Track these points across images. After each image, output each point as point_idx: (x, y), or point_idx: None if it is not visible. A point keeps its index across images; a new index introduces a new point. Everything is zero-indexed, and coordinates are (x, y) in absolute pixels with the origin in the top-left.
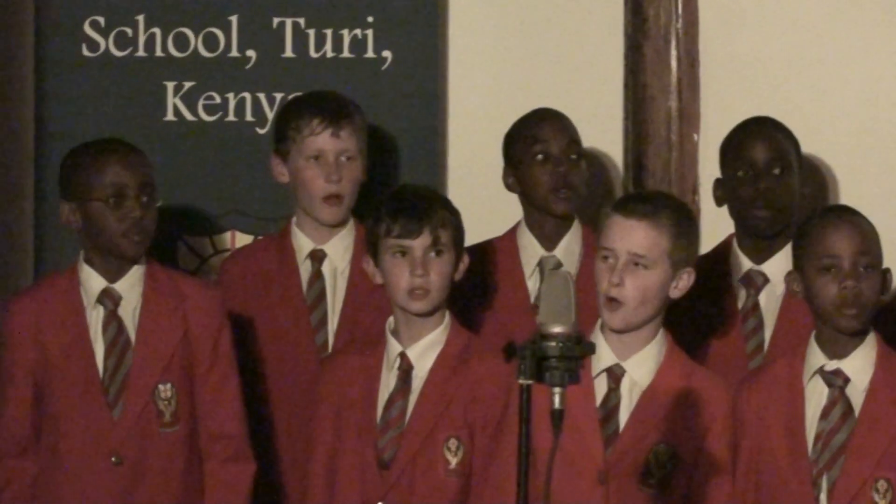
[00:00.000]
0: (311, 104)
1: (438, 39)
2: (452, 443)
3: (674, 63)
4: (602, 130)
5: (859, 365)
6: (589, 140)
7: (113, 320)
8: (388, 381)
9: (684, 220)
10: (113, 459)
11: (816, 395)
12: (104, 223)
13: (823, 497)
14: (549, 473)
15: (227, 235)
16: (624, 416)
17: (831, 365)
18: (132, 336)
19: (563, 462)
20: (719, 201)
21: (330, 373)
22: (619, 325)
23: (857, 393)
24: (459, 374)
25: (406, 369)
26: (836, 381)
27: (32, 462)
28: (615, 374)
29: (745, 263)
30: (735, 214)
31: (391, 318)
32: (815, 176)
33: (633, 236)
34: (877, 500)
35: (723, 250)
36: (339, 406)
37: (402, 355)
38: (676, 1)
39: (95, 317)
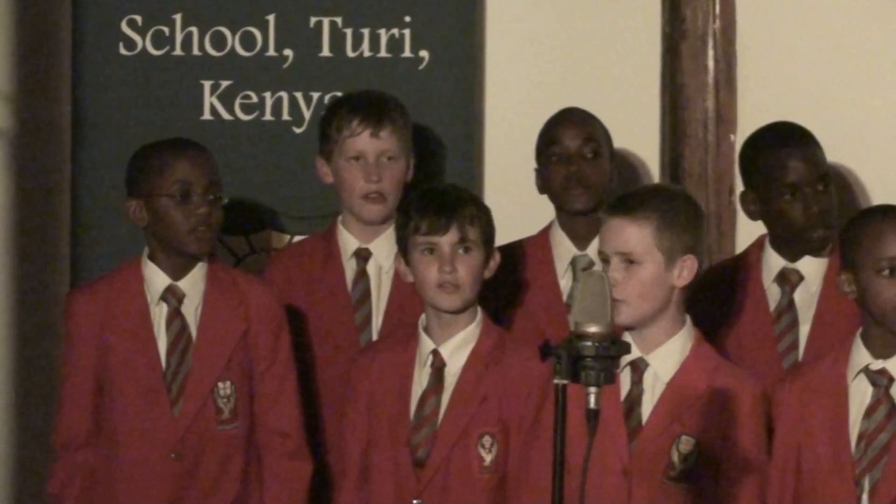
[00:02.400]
0: (351, 105)
1: (476, 39)
2: (486, 440)
3: (711, 63)
4: (639, 131)
5: None
6: (626, 140)
7: (176, 318)
8: (420, 378)
9: (671, 210)
10: (172, 455)
11: (860, 394)
12: (171, 220)
13: (865, 497)
14: (585, 474)
15: (264, 235)
16: (647, 409)
17: (876, 364)
18: (194, 333)
19: (594, 457)
20: (754, 216)
21: (362, 368)
22: (626, 321)
23: None
24: (492, 371)
25: (439, 366)
26: (882, 380)
27: (93, 456)
28: (638, 368)
29: (779, 262)
30: (781, 228)
31: (423, 316)
32: (851, 177)
33: (617, 236)
34: None
35: (754, 250)
36: (371, 402)
37: (435, 352)
38: (714, 1)
39: (159, 314)
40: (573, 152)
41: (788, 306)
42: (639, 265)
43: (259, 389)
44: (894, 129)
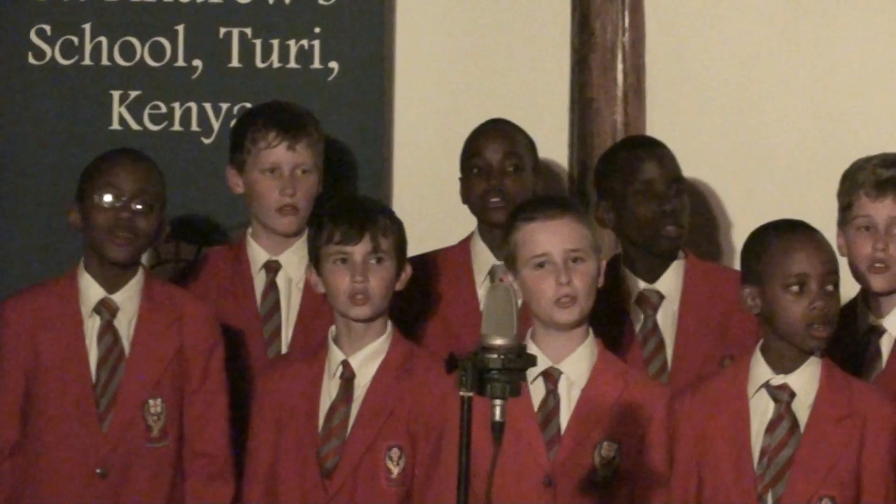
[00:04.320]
0: (267, 116)
1: (385, 50)
2: (394, 452)
3: (620, 76)
4: (548, 142)
5: (805, 380)
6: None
7: (108, 331)
8: (329, 389)
9: (584, 212)
10: (98, 471)
11: (761, 409)
12: (94, 222)
13: None
14: (490, 484)
15: (172, 245)
16: (564, 417)
17: (777, 380)
18: (126, 348)
19: (506, 469)
20: (606, 223)
21: (271, 380)
22: (575, 319)
23: (802, 408)
24: (402, 384)
25: (348, 377)
26: (783, 395)
27: (20, 466)
28: (552, 377)
29: (638, 284)
30: (634, 234)
31: (333, 327)
32: (757, 189)
33: (564, 234)
34: None
35: (611, 273)
36: (279, 414)
37: (345, 363)
38: (623, 14)
39: (91, 326)
40: (494, 166)
41: (653, 329)
42: (583, 262)
43: (188, 409)
44: (801, 142)
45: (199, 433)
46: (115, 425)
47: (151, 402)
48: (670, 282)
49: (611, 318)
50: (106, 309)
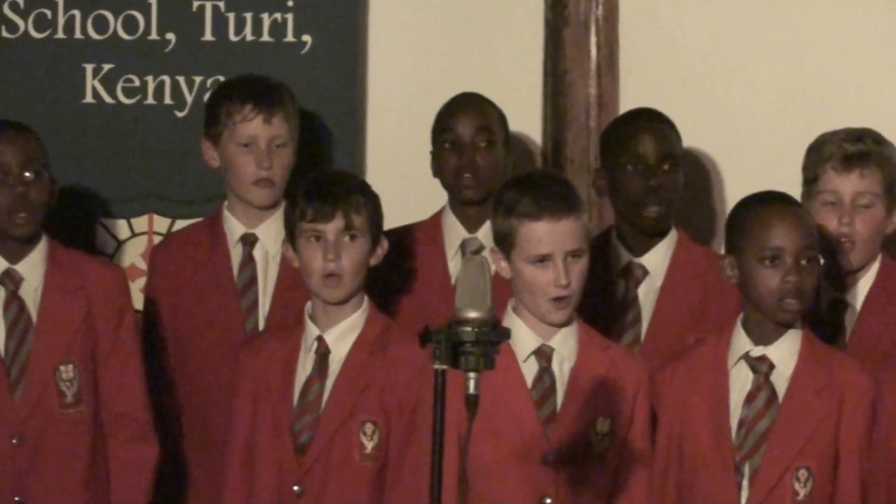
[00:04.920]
0: (243, 89)
1: (358, 24)
2: (368, 427)
3: (593, 50)
4: (522, 116)
5: (785, 352)
6: (509, 125)
7: (14, 301)
8: (305, 365)
9: (581, 199)
10: (14, 441)
11: (741, 380)
12: None
13: (745, 483)
14: (465, 455)
15: (145, 218)
16: (559, 394)
17: (757, 351)
18: (34, 317)
19: (505, 449)
20: (600, 191)
21: (249, 357)
22: (567, 318)
23: (781, 380)
24: (376, 359)
25: (323, 353)
26: (762, 367)
27: None
28: (545, 354)
29: (624, 256)
30: (621, 207)
31: (309, 303)
32: (729, 163)
33: (567, 235)
34: (797, 489)
35: (602, 241)
36: (257, 390)
37: (320, 339)
38: None
39: None
40: (466, 141)
41: (632, 301)
42: (580, 258)
43: (102, 373)
44: (773, 117)
45: (117, 397)
46: (27, 393)
47: (63, 368)
48: (657, 258)
49: (597, 286)
50: (10, 280)
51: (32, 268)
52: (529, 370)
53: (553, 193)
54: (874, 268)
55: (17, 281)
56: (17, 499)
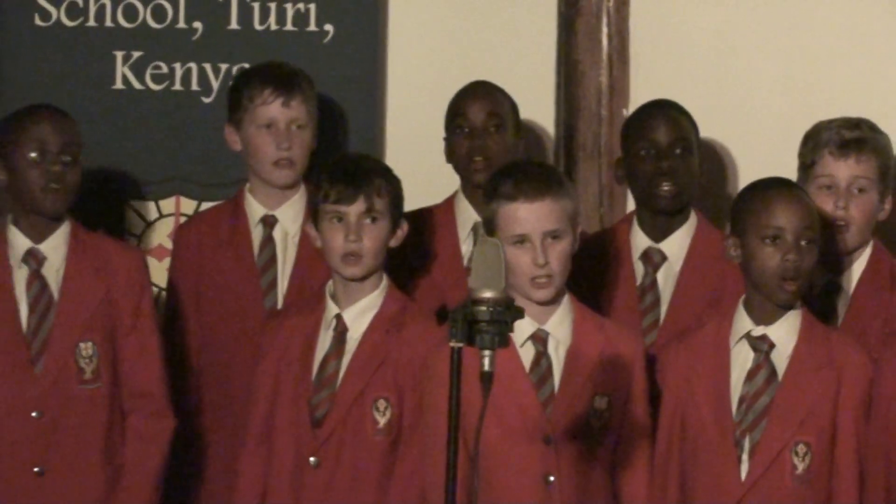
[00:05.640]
0: (262, 75)
1: (379, 14)
2: (381, 403)
3: (605, 40)
4: (535, 104)
5: (785, 332)
6: (522, 114)
7: (36, 280)
8: (324, 342)
9: (566, 183)
10: (34, 414)
11: (742, 358)
12: (26, 178)
13: (745, 457)
14: (479, 434)
15: (172, 200)
16: (556, 375)
17: (758, 331)
18: (55, 295)
19: (506, 431)
20: (620, 179)
21: (271, 332)
22: (551, 297)
23: (781, 359)
24: (392, 337)
25: (341, 331)
26: (762, 346)
27: None
28: (541, 338)
29: (644, 241)
30: (637, 192)
31: (330, 282)
32: (737, 151)
33: (543, 216)
34: (795, 463)
35: (622, 227)
36: (278, 364)
37: (339, 317)
38: None
39: (20, 276)
40: (478, 126)
41: (651, 285)
42: (559, 240)
43: (121, 350)
44: (780, 106)
45: (135, 374)
46: (47, 368)
47: (82, 345)
48: (676, 244)
49: (617, 272)
50: (33, 259)
51: (55, 248)
52: (527, 354)
53: (531, 176)
54: (866, 252)
55: (39, 260)
56: (36, 469)
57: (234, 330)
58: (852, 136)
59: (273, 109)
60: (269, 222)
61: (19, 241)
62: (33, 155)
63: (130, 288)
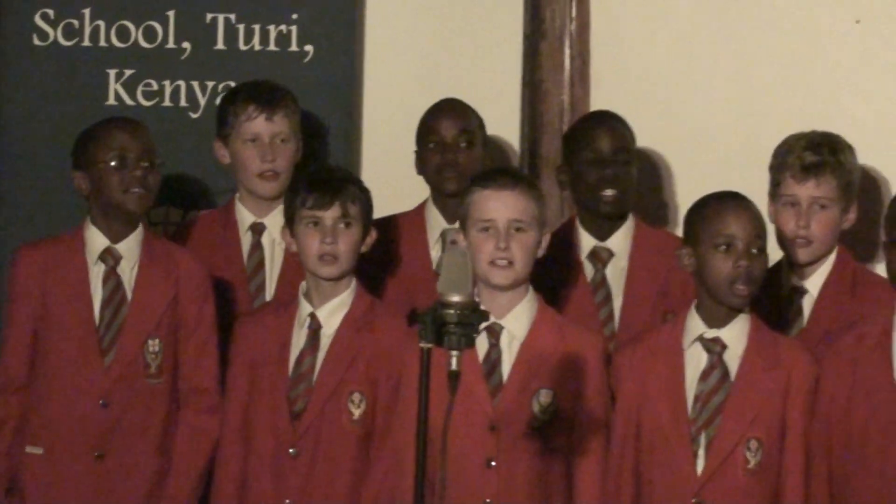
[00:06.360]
0: (247, 92)
1: (356, 36)
2: (356, 396)
3: (567, 62)
4: (502, 120)
5: (735, 334)
6: (490, 129)
7: (112, 276)
8: (298, 339)
9: (537, 188)
10: (101, 402)
11: (696, 360)
12: (109, 184)
13: (701, 452)
14: (447, 429)
15: (162, 210)
16: (506, 368)
17: (710, 333)
18: (129, 293)
19: (455, 416)
20: (562, 185)
21: (246, 330)
22: (509, 282)
23: (733, 360)
24: (363, 334)
25: (315, 328)
26: (715, 347)
27: (27, 401)
28: (494, 331)
29: (590, 241)
30: (582, 197)
31: (304, 283)
32: (691, 165)
33: (509, 204)
34: (748, 457)
35: (567, 230)
36: (253, 361)
37: (312, 316)
38: (571, 5)
39: (96, 272)
40: (448, 141)
41: (602, 282)
42: (524, 232)
43: (183, 349)
44: (729, 123)
45: (194, 372)
46: (116, 361)
47: (150, 342)
48: (619, 241)
49: (567, 272)
50: (110, 256)
51: (130, 249)
52: (482, 346)
53: (504, 171)
54: (831, 258)
55: (116, 258)
56: (95, 454)
57: (225, 329)
58: (813, 159)
59: (257, 125)
60: (257, 230)
61: (98, 240)
62: (114, 164)
63: (195, 292)
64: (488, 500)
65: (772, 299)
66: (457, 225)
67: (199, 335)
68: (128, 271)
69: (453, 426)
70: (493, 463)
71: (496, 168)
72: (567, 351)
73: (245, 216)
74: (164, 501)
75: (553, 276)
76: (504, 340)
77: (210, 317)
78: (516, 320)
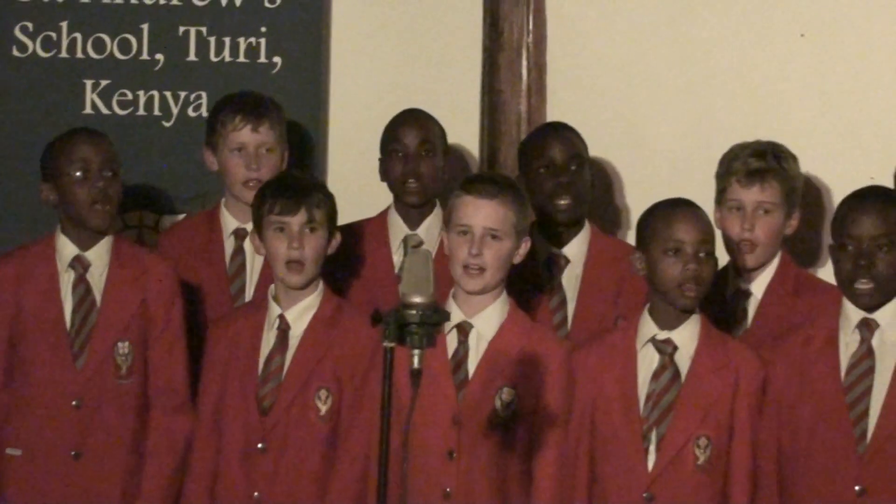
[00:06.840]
0: (234, 103)
1: (322, 48)
2: (322, 393)
3: (524, 72)
4: (462, 129)
5: (686, 336)
6: (450, 138)
7: (81, 283)
8: (268, 340)
9: (521, 198)
10: (74, 403)
11: (648, 360)
12: (74, 196)
13: (652, 449)
14: (409, 423)
15: (136, 214)
16: (472, 365)
17: (662, 335)
18: (98, 298)
19: (421, 409)
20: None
21: (219, 332)
22: (479, 288)
23: (683, 360)
24: (330, 334)
25: (284, 329)
26: (667, 348)
27: (5, 403)
28: (464, 329)
29: (547, 248)
30: (538, 206)
31: (272, 286)
32: (644, 173)
33: (486, 213)
34: (697, 454)
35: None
36: (226, 361)
37: (281, 317)
38: (528, 19)
39: (67, 279)
40: (411, 151)
41: (557, 287)
42: (499, 241)
43: (152, 351)
44: (679, 134)
45: (163, 372)
46: (88, 363)
47: (120, 344)
48: (575, 248)
49: (526, 276)
50: (79, 264)
51: (99, 256)
52: (451, 342)
53: (486, 179)
54: (775, 262)
55: (85, 266)
56: (72, 453)
57: (204, 330)
58: (758, 165)
59: (243, 135)
60: (240, 234)
61: (67, 248)
62: (78, 174)
63: (164, 295)
64: (448, 490)
65: (717, 301)
66: (418, 231)
67: (167, 336)
68: (97, 277)
69: (420, 418)
70: (455, 455)
71: (483, 174)
72: (531, 353)
73: (229, 221)
74: (139, 502)
75: (511, 281)
76: (472, 339)
77: (178, 318)
78: (486, 321)
